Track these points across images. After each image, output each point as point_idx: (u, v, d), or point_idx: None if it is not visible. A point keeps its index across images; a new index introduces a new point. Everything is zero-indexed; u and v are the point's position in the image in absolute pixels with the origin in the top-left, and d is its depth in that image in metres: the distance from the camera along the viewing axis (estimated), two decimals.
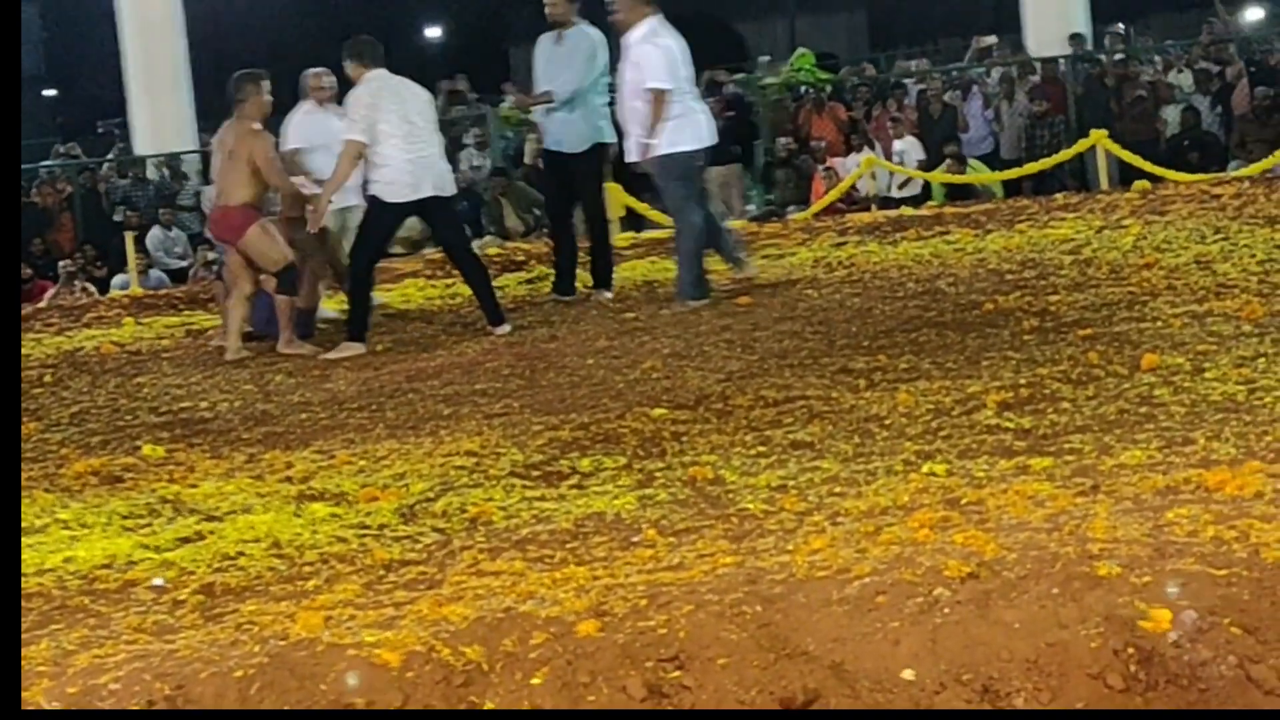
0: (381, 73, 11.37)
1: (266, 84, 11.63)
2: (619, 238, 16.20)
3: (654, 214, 18.21)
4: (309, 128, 12.36)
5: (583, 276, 12.67)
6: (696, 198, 11.80)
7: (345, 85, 11.72)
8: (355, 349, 10.98)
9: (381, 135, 11.10)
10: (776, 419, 7.58)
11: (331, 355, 10.94)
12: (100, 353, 12.25)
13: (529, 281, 13.68)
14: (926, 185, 19.15)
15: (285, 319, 11.35)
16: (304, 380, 10.16)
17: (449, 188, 11.71)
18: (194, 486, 7.37)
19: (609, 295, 12.34)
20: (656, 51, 11.54)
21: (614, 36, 12.07)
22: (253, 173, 11.30)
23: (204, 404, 9.66)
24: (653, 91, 11.44)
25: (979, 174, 19.23)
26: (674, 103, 11.50)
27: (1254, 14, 36.67)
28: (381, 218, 11.35)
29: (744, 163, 21.16)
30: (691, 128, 11.67)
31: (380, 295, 12.75)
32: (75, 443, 8.82)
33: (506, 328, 11.19)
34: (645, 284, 12.91)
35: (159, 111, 22.07)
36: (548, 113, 12.53)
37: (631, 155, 11.88)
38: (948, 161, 19.39)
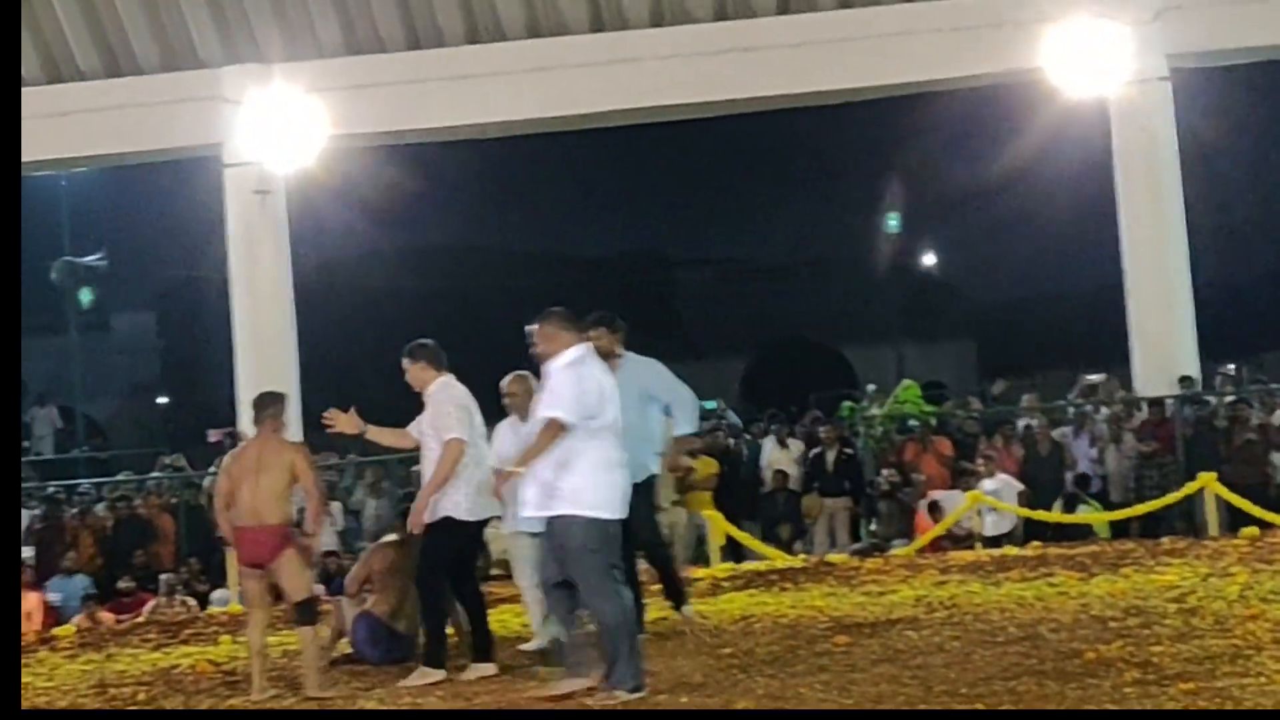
0: (451, 378, 11.28)
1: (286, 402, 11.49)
2: (719, 568, 16.15)
3: (755, 543, 18.19)
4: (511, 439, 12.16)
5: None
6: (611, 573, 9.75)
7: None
8: (435, 675, 10.82)
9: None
10: None
11: (414, 681, 10.76)
12: (196, 671, 12.22)
13: None
14: (1029, 522, 18.96)
15: (312, 656, 10.93)
16: (395, 706, 10.06)
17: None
18: None
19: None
20: (570, 378, 9.84)
21: None
22: (288, 482, 10.94)
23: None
24: (548, 421, 9.73)
25: (1086, 514, 19.06)
26: (590, 449, 9.75)
27: None
28: (455, 537, 11.14)
29: (855, 495, 21.21)
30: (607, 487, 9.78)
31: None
32: None
33: (491, 668, 10.97)
34: (743, 618, 12.79)
35: None
36: None
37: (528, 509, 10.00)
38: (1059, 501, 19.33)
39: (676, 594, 12.50)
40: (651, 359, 12.23)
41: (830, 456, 21.52)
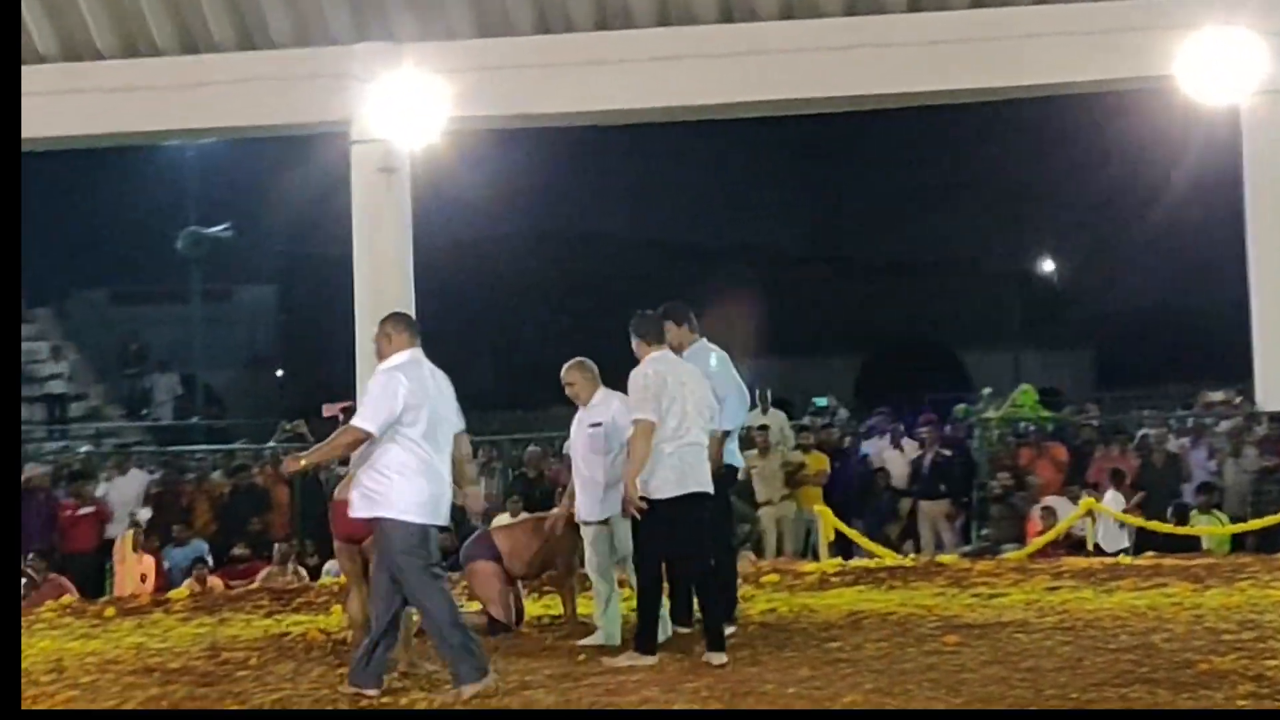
0: (666, 352, 11.08)
1: None
2: (828, 563, 16.14)
3: (864, 541, 18.14)
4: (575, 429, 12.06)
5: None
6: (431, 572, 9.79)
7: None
8: (645, 661, 10.62)
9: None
10: None
11: (619, 662, 10.67)
12: (306, 639, 12.35)
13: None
14: (1142, 532, 18.76)
15: (404, 634, 10.66)
16: (503, 684, 10.10)
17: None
18: None
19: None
20: (386, 387, 9.75)
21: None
22: None
23: (404, 701, 9.66)
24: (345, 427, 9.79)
25: (1203, 527, 18.84)
26: (399, 454, 9.72)
27: None
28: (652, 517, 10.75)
29: (954, 498, 21.10)
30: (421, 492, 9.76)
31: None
32: None
33: (723, 658, 10.55)
34: (851, 614, 12.77)
35: None
36: None
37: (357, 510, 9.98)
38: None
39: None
40: (714, 349, 11.85)
41: (927, 459, 21.45)
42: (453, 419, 10.08)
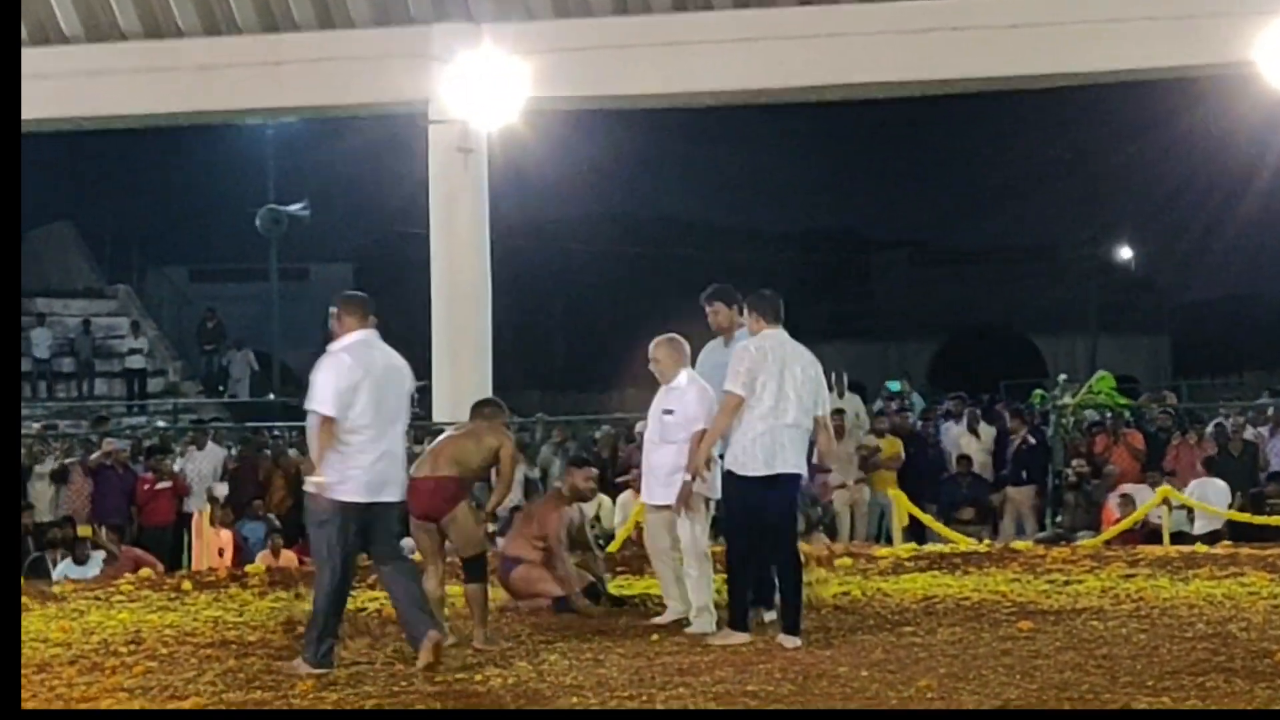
0: (778, 332, 11.04)
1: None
2: (901, 547, 16.11)
3: (939, 526, 18.09)
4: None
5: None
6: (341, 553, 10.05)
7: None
8: (739, 638, 10.69)
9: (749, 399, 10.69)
10: None
11: (716, 641, 10.72)
12: (381, 615, 12.41)
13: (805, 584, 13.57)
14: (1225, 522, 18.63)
15: (480, 611, 10.94)
16: (577, 663, 10.17)
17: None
18: None
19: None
20: (330, 369, 9.98)
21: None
22: (484, 459, 11.14)
23: (478, 678, 9.71)
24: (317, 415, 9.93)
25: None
26: (346, 434, 9.89)
27: None
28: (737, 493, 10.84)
29: (1037, 484, 21.03)
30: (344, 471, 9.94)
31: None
32: (351, 705, 8.92)
33: (797, 641, 10.55)
34: (925, 598, 12.75)
35: (459, 381, 22.54)
36: None
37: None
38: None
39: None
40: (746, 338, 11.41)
41: (1013, 445, 21.36)
42: (403, 405, 10.25)
